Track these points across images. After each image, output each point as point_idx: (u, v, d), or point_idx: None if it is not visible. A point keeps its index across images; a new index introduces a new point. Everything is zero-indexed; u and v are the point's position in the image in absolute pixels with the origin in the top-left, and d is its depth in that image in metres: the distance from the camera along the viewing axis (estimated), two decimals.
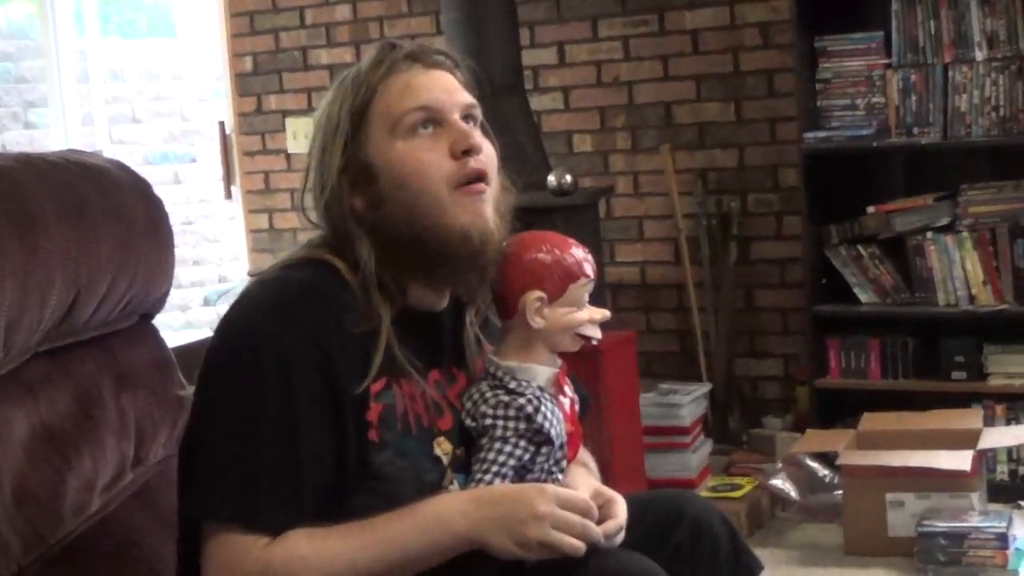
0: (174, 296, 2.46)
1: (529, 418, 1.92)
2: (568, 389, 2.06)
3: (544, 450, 1.94)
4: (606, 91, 5.46)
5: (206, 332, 1.97)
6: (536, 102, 5.21)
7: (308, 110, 6.01)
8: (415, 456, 1.88)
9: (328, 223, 1.94)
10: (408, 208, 1.89)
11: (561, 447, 1.98)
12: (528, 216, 4.27)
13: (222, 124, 6.25)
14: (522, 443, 1.92)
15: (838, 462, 4.11)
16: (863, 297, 4.75)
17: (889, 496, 3.93)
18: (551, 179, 4.44)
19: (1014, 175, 4.58)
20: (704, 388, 4.84)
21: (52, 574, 1.97)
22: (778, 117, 5.14)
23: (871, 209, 4.73)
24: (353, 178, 1.91)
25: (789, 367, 5.23)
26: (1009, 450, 4.44)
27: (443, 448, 1.92)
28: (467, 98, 1.99)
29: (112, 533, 2.11)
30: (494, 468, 1.90)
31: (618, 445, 4.16)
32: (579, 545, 1.80)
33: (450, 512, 1.81)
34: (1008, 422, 4.47)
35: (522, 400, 1.93)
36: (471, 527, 1.79)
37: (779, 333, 5.26)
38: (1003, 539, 3.75)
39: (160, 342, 2.40)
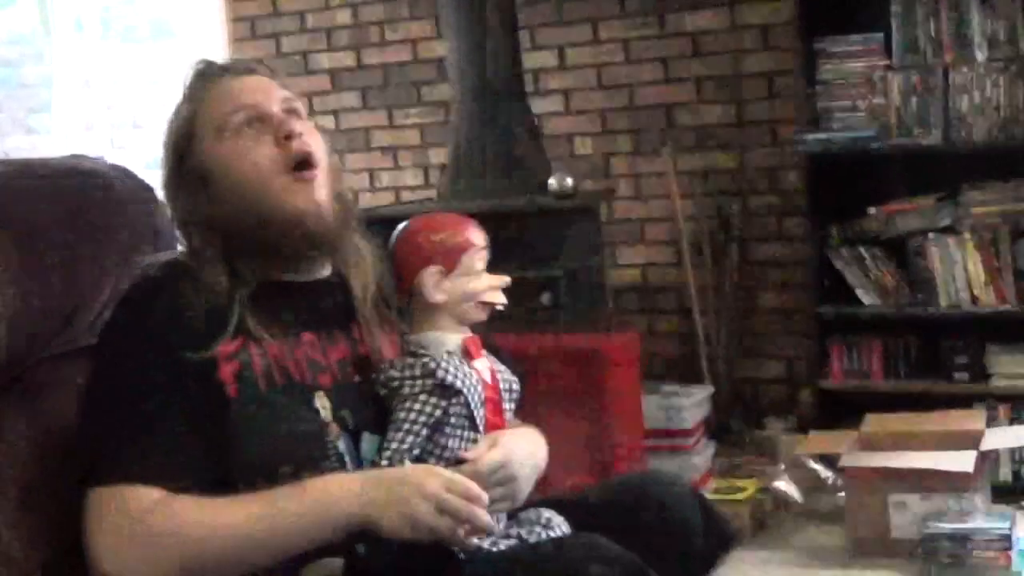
0: None
1: (432, 373, 1.99)
2: (487, 360, 2.12)
3: (455, 402, 2.00)
4: (607, 93, 5.46)
5: None
6: (537, 105, 5.21)
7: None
8: (286, 407, 1.98)
9: (179, 231, 2.11)
10: (245, 199, 2.03)
11: (477, 406, 2.03)
12: (529, 219, 4.26)
13: None
14: (432, 400, 1.99)
15: (840, 464, 4.09)
16: (865, 298, 4.75)
17: (892, 497, 3.91)
18: (552, 182, 4.44)
19: (1015, 176, 4.58)
20: (706, 390, 4.84)
21: None
22: (779, 119, 5.14)
23: (872, 210, 4.73)
24: (191, 186, 2.05)
25: (791, 369, 5.22)
26: (1012, 451, 4.44)
27: (322, 403, 2.02)
28: (284, 93, 2.15)
29: None
30: (405, 426, 1.98)
31: (620, 447, 4.16)
32: (459, 532, 1.88)
33: (339, 491, 1.90)
34: (1011, 423, 4.46)
35: (425, 359, 2.01)
36: (361, 506, 1.88)
37: (781, 335, 5.26)
38: (1007, 540, 3.73)
39: None
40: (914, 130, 4.63)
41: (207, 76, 2.14)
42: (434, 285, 2.07)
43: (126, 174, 2.34)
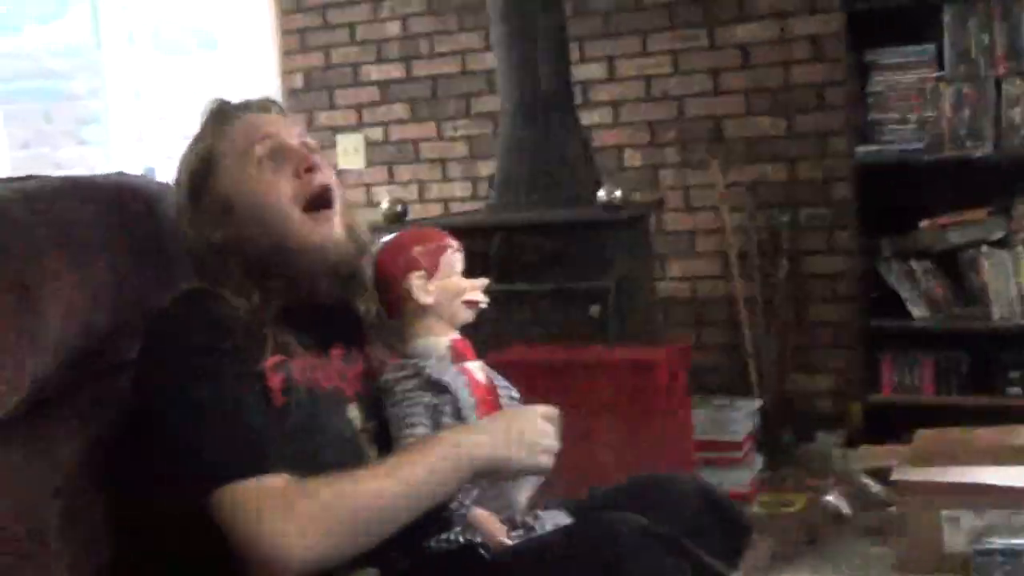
0: None
1: (420, 372, 2.09)
2: (481, 363, 2.20)
3: (445, 400, 2.08)
4: (656, 105, 5.45)
5: None
6: (586, 117, 5.20)
7: (359, 126, 6.04)
8: (327, 415, 2.05)
9: (195, 264, 2.14)
10: (266, 230, 2.09)
11: (465, 402, 2.10)
12: (578, 231, 4.25)
13: None
14: (427, 396, 2.08)
15: (892, 478, 4.07)
16: (916, 312, 4.72)
17: (944, 513, 3.89)
18: (601, 194, 4.43)
19: None
20: (756, 403, 4.82)
21: None
22: (829, 131, 5.12)
23: (924, 223, 4.70)
24: (210, 216, 2.11)
25: (841, 382, 5.19)
26: None
27: (353, 413, 2.10)
28: (300, 130, 2.21)
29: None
30: (412, 420, 2.07)
31: (670, 459, 4.14)
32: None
33: (467, 438, 2.00)
34: None
35: (415, 360, 2.11)
36: (492, 449, 1.99)
37: (831, 348, 5.23)
38: None
39: None
40: (966, 142, 4.60)
41: (226, 112, 2.22)
42: (421, 288, 2.16)
43: (170, 190, 2.35)
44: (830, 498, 4.32)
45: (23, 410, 1.95)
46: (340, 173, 6.04)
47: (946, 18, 4.61)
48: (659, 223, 5.37)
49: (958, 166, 4.70)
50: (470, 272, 2.25)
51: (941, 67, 4.66)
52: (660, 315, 5.04)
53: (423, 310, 2.17)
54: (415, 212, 5.43)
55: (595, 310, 4.30)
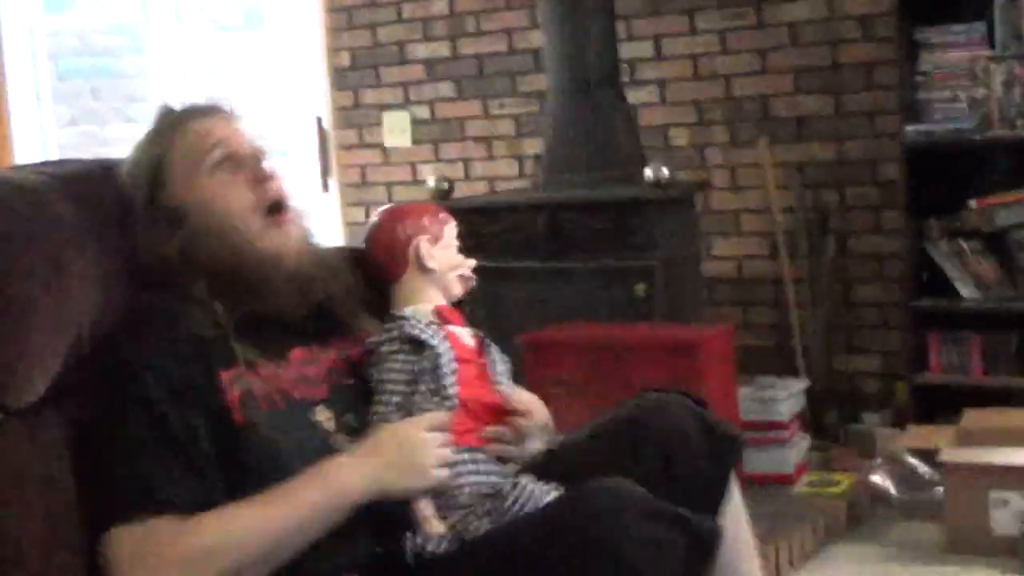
0: None
1: (401, 329, 2.15)
2: (470, 329, 2.25)
3: (426, 356, 2.12)
4: (703, 84, 5.43)
5: None
6: (632, 95, 5.19)
7: (405, 104, 6.04)
8: (289, 427, 2.01)
9: (151, 274, 2.07)
10: (223, 239, 2.06)
11: (446, 362, 2.13)
12: (624, 209, 4.25)
13: (319, 119, 6.29)
14: (406, 357, 2.13)
15: (940, 459, 4.05)
16: (964, 292, 4.69)
17: (992, 494, 3.87)
18: (647, 172, 4.41)
19: None
20: (802, 383, 4.80)
21: None
22: (878, 110, 5.08)
23: (973, 203, 4.67)
24: (164, 226, 2.06)
25: (888, 363, 5.17)
26: None
27: (323, 415, 2.08)
28: (252, 134, 2.17)
29: None
30: (388, 386, 2.12)
31: None
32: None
33: (348, 473, 1.97)
34: None
35: (402, 322, 2.15)
36: (374, 480, 1.97)
37: (878, 328, 5.20)
38: None
39: None
40: (1016, 121, 4.56)
41: (175, 118, 2.18)
42: (428, 252, 2.26)
43: None
44: (876, 478, 4.30)
45: (53, 394, 1.95)
46: (387, 151, 6.06)
47: None
48: (705, 202, 5.35)
49: (1008, 146, 4.67)
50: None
51: (992, 46, 4.62)
52: (705, 295, 5.02)
53: (422, 276, 2.26)
54: (460, 190, 5.43)
55: (640, 289, 4.29)
